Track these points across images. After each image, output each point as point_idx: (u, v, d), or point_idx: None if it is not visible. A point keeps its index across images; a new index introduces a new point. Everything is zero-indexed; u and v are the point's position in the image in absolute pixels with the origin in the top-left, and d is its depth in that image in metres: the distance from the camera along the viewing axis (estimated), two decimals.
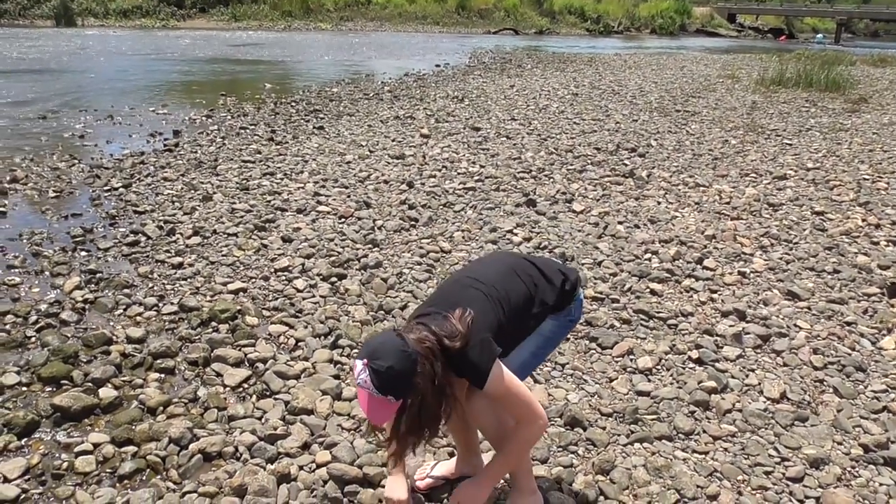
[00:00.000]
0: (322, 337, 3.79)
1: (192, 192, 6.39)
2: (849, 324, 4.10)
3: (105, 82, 14.20)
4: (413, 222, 5.66)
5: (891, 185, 7.01)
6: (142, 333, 3.75)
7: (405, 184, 6.70)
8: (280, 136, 8.97)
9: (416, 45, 27.77)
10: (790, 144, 9.02)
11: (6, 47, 20.39)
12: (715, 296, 4.46)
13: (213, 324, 3.92)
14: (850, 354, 3.73)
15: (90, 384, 3.26)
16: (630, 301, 4.33)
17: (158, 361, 3.51)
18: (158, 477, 2.70)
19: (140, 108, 11.11)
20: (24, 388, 3.25)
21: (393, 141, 8.68)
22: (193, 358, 3.54)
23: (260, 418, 3.06)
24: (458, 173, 7.19)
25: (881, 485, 2.73)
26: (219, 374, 3.42)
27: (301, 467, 2.73)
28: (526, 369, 2.45)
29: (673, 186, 6.93)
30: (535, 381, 3.38)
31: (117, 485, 2.65)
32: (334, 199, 6.18)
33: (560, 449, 2.91)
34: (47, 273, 4.57)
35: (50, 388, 3.26)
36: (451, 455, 2.79)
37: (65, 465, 2.73)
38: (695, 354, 3.68)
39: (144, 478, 2.70)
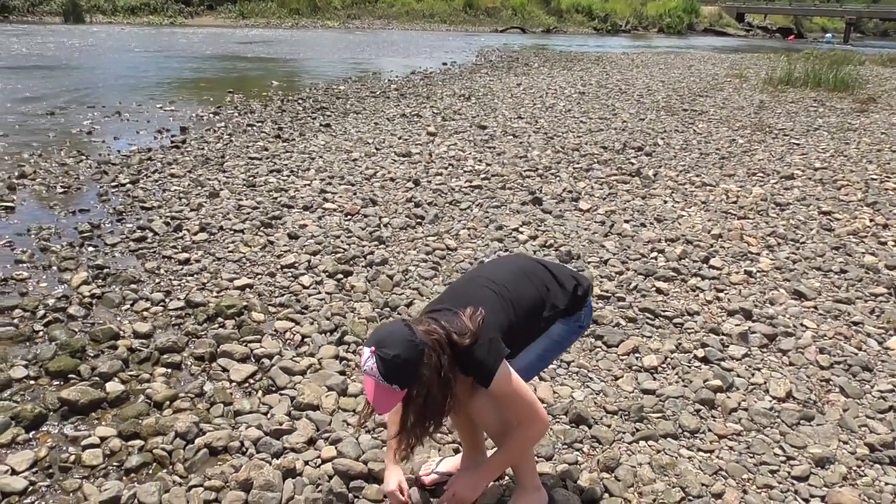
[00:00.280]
0: (328, 333, 3.80)
1: (199, 188, 6.41)
2: (855, 323, 4.09)
3: (113, 79, 14.25)
4: (419, 220, 5.67)
5: None
6: (149, 328, 3.77)
7: (411, 181, 6.70)
8: (287, 133, 8.99)
9: (424, 44, 27.77)
10: (798, 144, 8.99)
11: (15, 44, 20.49)
12: (721, 295, 4.45)
13: (220, 319, 3.93)
14: (856, 354, 3.72)
15: (97, 378, 3.27)
16: (636, 299, 4.33)
17: (165, 356, 3.52)
18: (165, 471, 2.71)
19: (147, 104, 11.15)
20: (32, 382, 3.27)
21: (399, 139, 8.69)
22: (200, 353, 3.55)
23: (266, 413, 3.07)
24: (465, 171, 7.19)
25: (887, 484, 2.72)
26: (225, 370, 3.43)
27: (306, 462, 2.74)
28: (532, 370, 2.45)
29: (680, 185, 6.92)
30: (541, 379, 3.38)
31: (124, 478, 2.66)
32: (341, 197, 6.19)
33: (565, 446, 2.91)
34: (55, 268, 4.59)
35: (57, 382, 3.28)
36: (457, 451, 2.79)
37: (72, 458, 2.74)
38: (700, 353, 3.67)
39: (151, 471, 2.72)
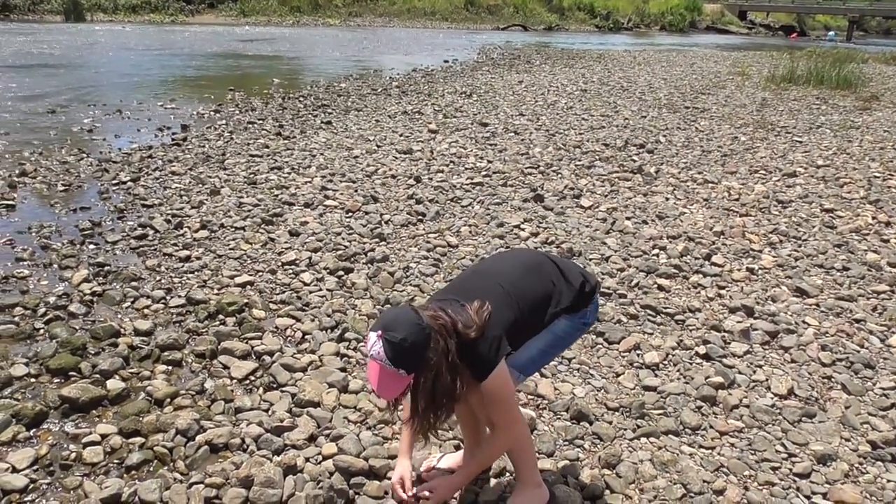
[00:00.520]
0: (329, 330, 3.80)
1: (200, 186, 6.40)
2: (858, 321, 4.08)
3: (114, 77, 14.25)
4: (420, 217, 5.66)
5: None
6: (149, 326, 3.76)
7: (412, 178, 6.70)
8: (288, 130, 8.98)
9: (425, 41, 27.75)
10: (800, 142, 8.97)
11: (16, 42, 20.49)
12: (723, 292, 4.44)
13: (221, 317, 3.93)
14: (858, 351, 3.71)
15: (98, 376, 3.27)
16: (637, 296, 4.32)
17: (166, 353, 3.52)
18: (165, 468, 2.71)
19: (148, 102, 11.14)
20: (33, 380, 3.27)
21: (401, 136, 8.68)
22: (201, 350, 3.54)
23: (266, 410, 3.07)
24: (466, 168, 7.18)
25: (889, 481, 2.72)
26: (226, 367, 3.43)
27: (307, 459, 2.74)
28: (534, 365, 2.45)
29: (681, 183, 6.91)
30: (542, 376, 3.37)
31: (125, 475, 2.66)
32: (342, 194, 6.19)
33: (566, 443, 2.91)
34: (56, 266, 4.59)
35: (58, 380, 3.28)
36: (458, 448, 2.79)
37: (73, 455, 2.74)
38: (702, 350, 3.67)
39: (151, 468, 2.71)
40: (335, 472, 2.65)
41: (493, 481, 2.63)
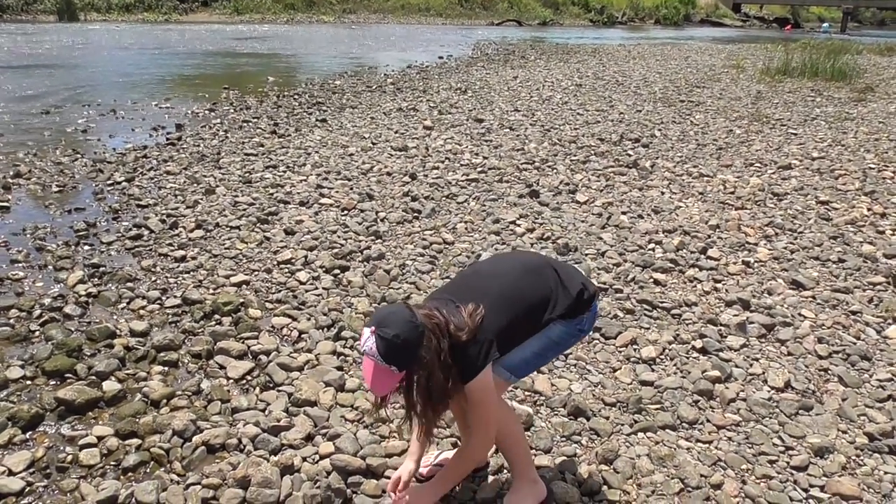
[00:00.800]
0: (325, 329, 3.80)
1: (195, 185, 6.39)
2: (854, 313, 4.09)
3: (107, 77, 14.20)
4: (416, 214, 5.66)
5: None
6: (145, 327, 3.75)
7: (408, 175, 6.69)
8: (283, 128, 8.96)
9: (419, 37, 27.70)
10: (795, 134, 8.98)
11: (9, 42, 20.41)
12: (719, 285, 4.44)
13: (217, 316, 3.92)
14: (854, 343, 3.71)
15: (94, 377, 3.27)
16: (634, 291, 4.32)
17: (162, 354, 3.51)
18: (162, 469, 2.70)
19: (142, 102, 11.10)
20: (29, 382, 3.26)
21: (396, 133, 8.66)
22: (197, 351, 3.54)
23: (263, 410, 3.06)
24: (461, 165, 7.17)
25: (886, 473, 2.72)
26: (222, 367, 3.42)
27: (304, 458, 2.74)
28: (526, 367, 2.42)
29: (677, 176, 6.91)
30: (539, 372, 3.37)
31: (121, 477, 2.65)
32: (337, 192, 6.17)
33: (563, 439, 2.91)
34: (51, 267, 4.58)
35: (54, 382, 3.27)
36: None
37: (69, 457, 2.73)
38: (699, 344, 3.67)
39: (148, 470, 2.71)
40: (332, 471, 2.64)
41: (490, 478, 2.63)
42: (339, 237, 5.11)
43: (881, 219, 5.71)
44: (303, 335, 3.74)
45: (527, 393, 3.22)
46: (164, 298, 4.14)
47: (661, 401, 3.18)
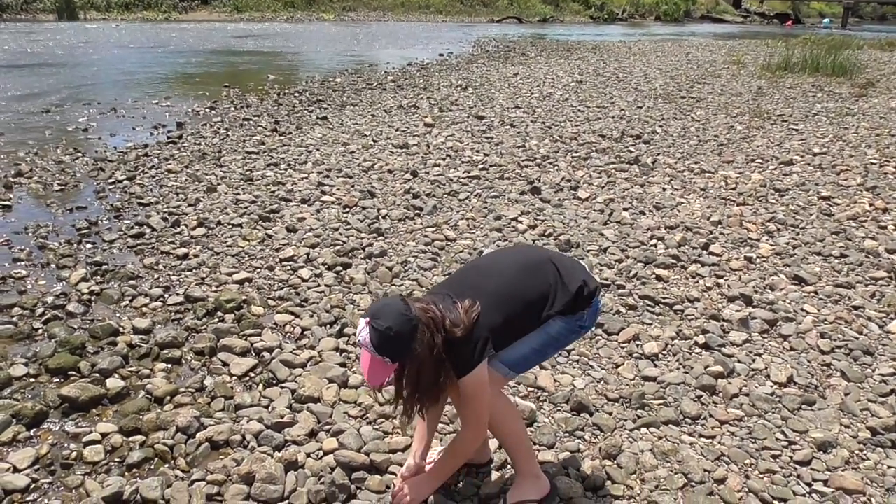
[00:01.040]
0: (327, 326, 3.80)
1: (197, 183, 6.39)
2: (856, 308, 4.09)
3: (108, 75, 14.20)
4: (417, 211, 5.66)
5: None
6: (148, 324, 3.76)
7: (409, 173, 6.69)
8: (284, 126, 8.96)
9: (420, 35, 27.68)
10: (796, 129, 8.97)
11: (9, 42, 20.40)
12: (721, 281, 4.44)
13: (219, 314, 3.92)
14: (857, 338, 3.71)
15: (97, 375, 3.27)
16: (636, 287, 4.32)
17: (165, 352, 3.51)
18: (166, 465, 2.71)
19: (143, 100, 11.11)
20: (32, 380, 3.26)
21: (396, 130, 8.66)
22: (200, 348, 3.54)
23: (267, 407, 3.07)
24: (463, 162, 7.17)
25: (889, 467, 2.72)
26: (225, 364, 3.43)
27: (308, 455, 2.74)
28: (525, 363, 2.42)
29: (678, 173, 6.90)
30: (542, 368, 3.37)
31: (126, 474, 2.66)
32: (338, 189, 6.18)
33: (567, 434, 2.91)
34: (53, 265, 4.58)
35: (57, 379, 3.27)
36: None
37: (73, 454, 2.74)
38: (701, 339, 3.67)
39: (153, 466, 2.71)
40: (336, 467, 2.65)
41: (494, 474, 2.64)
42: (340, 234, 5.11)
43: (883, 214, 5.70)
44: (305, 332, 3.75)
45: (530, 389, 3.22)
46: (166, 296, 4.15)
47: (664, 396, 3.18)
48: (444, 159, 7.25)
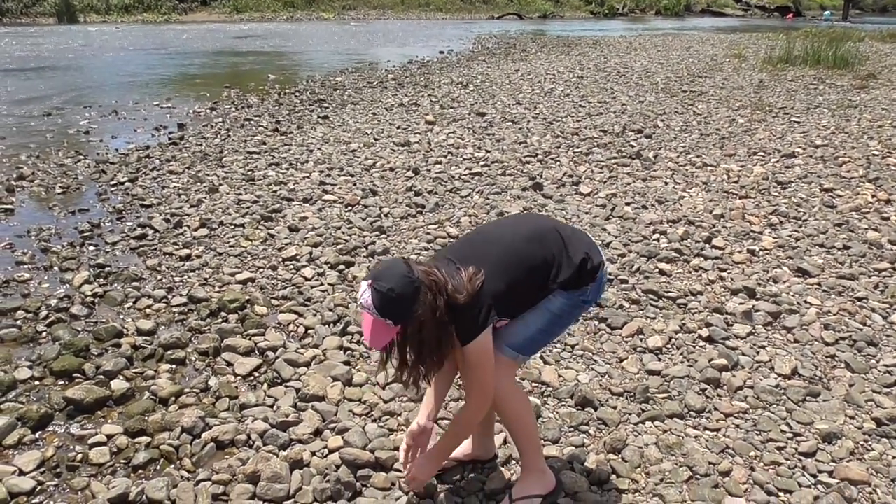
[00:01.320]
0: (331, 324, 3.80)
1: (198, 184, 6.40)
2: (860, 299, 4.08)
3: (108, 78, 14.22)
4: (420, 208, 5.66)
5: None
6: (152, 325, 3.76)
7: (411, 170, 6.69)
8: (285, 126, 8.97)
9: (420, 32, 27.66)
10: (798, 122, 8.95)
11: (9, 46, 20.43)
12: (724, 274, 4.44)
13: (223, 314, 3.93)
14: (861, 329, 3.71)
15: (102, 376, 3.28)
16: (639, 281, 4.31)
17: (169, 352, 3.52)
18: (172, 466, 2.72)
19: (144, 102, 11.12)
20: (37, 382, 3.27)
21: (398, 128, 8.66)
22: (204, 348, 3.55)
23: (271, 406, 3.07)
24: (464, 159, 7.17)
25: (894, 458, 2.72)
26: (229, 364, 3.43)
27: (313, 453, 2.74)
28: (533, 345, 2.38)
29: (680, 167, 6.89)
30: (545, 363, 3.38)
31: (132, 475, 2.67)
32: (340, 188, 6.18)
33: (571, 429, 2.91)
34: (56, 268, 4.59)
35: (62, 382, 3.28)
36: None
37: (79, 456, 2.74)
38: (705, 333, 3.67)
39: (158, 467, 2.72)
40: (342, 464, 2.65)
41: (499, 470, 2.64)
42: (343, 233, 5.11)
43: (886, 205, 5.69)
44: (309, 331, 3.75)
45: (534, 384, 3.23)
46: (170, 297, 4.15)
47: (668, 390, 3.18)
48: (445, 156, 7.25)
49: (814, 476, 2.62)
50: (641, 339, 3.63)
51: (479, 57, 17.82)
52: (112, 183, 6.51)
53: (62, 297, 4.12)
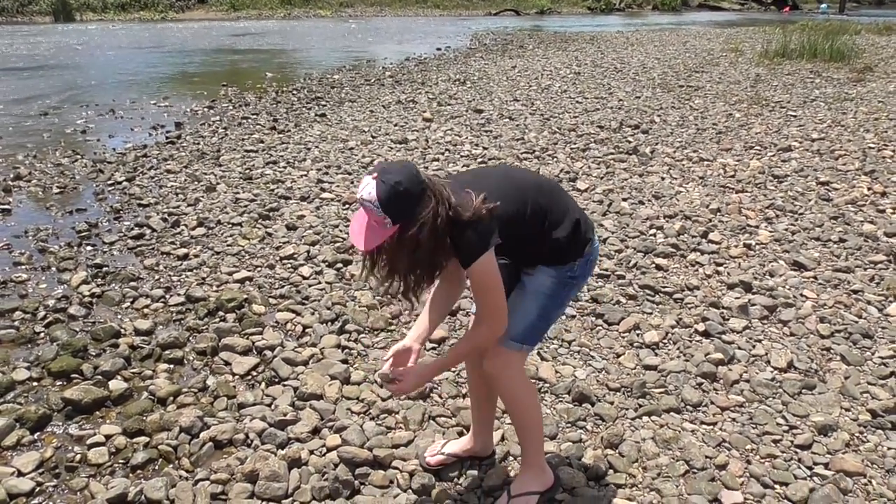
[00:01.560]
0: (329, 323, 3.81)
1: (196, 183, 6.40)
2: (855, 292, 4.09)
3: (105, 77, 14.20)
4: None
5: None
6: (150, 325, 3.77)
7: None
8: (282, 124, 8.97)
9: (417, 29, 27.62)
10: (795, 116, 8.95)
11: (5, 44, 20.39)
12: (721, 269, 4.45)
13: (221, 313, 3.94)
14: (856, 322, 3.72)
15: (100, 377, 3.28)
16: (636, 277, 4.32)
17: (167, 352, 3.53)
18: (171, 466, 2.73)
19: (141, 101, 11.11)
20: (35, 383, 3.28)
21: (395, 126, 8.66)
22: (202, 348, 3.55)
23: (269, 405, 3.08)
24: (462, 156, 7.17)
25: (889, 448, 2.73)
26: (227, 363, 3.44)
27: (312, 451, 2.75)
28: (535, 332, 2.32)
29: (677, 162, 6.90)
30: (542, 359, 3.39)
31: (130, 475, 2.68)
32: (338, 186, 6.18)
33: (569, 425, 2.92)
34: (54, 269, 4.60)
35: (60, 382, 3.29)
36: (461, 434, 2.80)
37: (78, 457, 2.75)
38: (701, 327, 3.68)
39: (157, 467, 2.73)
40: (340, 463, 2.66)
41: (497, 466, 2.65)
42: (340, 231, 5.12)
43: (881, 198, 5.70)
44: (307, 329, 3.76)
45: (531, 381, 3.23)
46: (167, 297, 4.16)
47: (664, 384, 3.19)
48: (443, 153, 7.25)
49: (809, 468, 2.64)
50: (638, 335, 3.64)
51: (476, 53, 17.81)
52: (109, 182, 6.51)
53: (60, 298, 4.13)
